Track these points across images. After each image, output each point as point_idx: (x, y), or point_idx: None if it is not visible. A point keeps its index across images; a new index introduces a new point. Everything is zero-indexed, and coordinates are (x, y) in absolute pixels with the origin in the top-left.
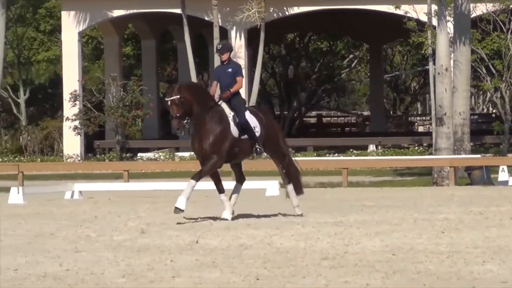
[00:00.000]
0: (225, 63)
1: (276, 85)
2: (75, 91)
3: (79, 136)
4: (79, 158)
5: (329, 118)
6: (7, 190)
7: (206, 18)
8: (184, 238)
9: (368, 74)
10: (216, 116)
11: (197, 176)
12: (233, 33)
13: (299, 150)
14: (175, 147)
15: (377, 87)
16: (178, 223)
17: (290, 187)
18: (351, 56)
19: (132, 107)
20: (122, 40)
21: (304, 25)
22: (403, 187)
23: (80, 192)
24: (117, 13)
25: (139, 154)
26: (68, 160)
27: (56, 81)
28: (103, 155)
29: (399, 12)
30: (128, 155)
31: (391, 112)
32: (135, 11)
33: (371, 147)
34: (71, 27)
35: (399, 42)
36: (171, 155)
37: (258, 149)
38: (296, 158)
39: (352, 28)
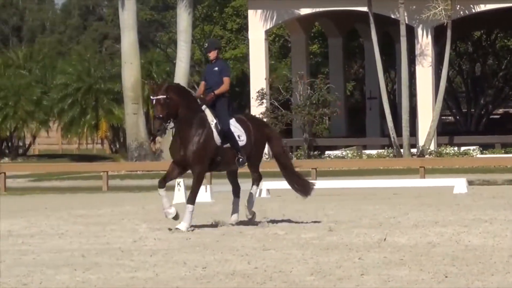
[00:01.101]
0: (212, 61)
1: (463, 83)
2: (262, 89)
3: None
4: (267, 157)
5: None
6: None
7: (392, 16)
8: (372, 236)
9: None
10: (200, 122)
11: (192, 199)
12: (419, 30)
13: (486, 147)
14: (362, 145)
15: None
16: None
17: (254, 189)
18: None
19: (319, 105)
20: (309, 38)
21: (491, 22)
22: None
23: (268, 190)
24: (304, 11)
25: (326, 152)
26: None
27: (243, 80)
28: (290, 153)
29: None
30: (315, 153)
31: None
32: (321, 9)
33: None
34: (258, 25)
35: None
36: (359, 153)
37: (240, 159)
38: (483, 156)
39: None
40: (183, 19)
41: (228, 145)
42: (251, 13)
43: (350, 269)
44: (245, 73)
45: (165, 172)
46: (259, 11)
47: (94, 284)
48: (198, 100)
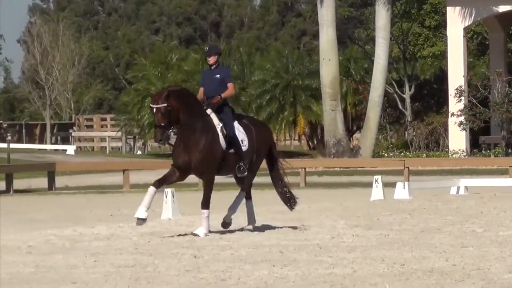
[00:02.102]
0: (212, 67)
1: None
2: (461, 86)
3: (464, 131)
4: (465, 154)
5: None
6: (393, 185)
7: None
8: None
9: None
10: (205, 126)
11: (206, 204)
12: None
13: None
14: None
15: None
16: None
17: (242, 195)
18: None
19: None
20: (507, 36)
21: None
22: None
23: (466, 187)
24: (503, 8)
25: None
26: (454, 155)
27: (441, 77)
28: (488, 151)
29: None
30: None
31: None
32: None
33: None
34: (457, 22)
35: None
36: None
37: (241, 167)
38: None
39: None
40: (382, 16)
41: (232, 150)
42: (449, 10)
43: None
44: (443, 70)
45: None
46: (458, 8)
47: (292, 280)
48: (204, 104)
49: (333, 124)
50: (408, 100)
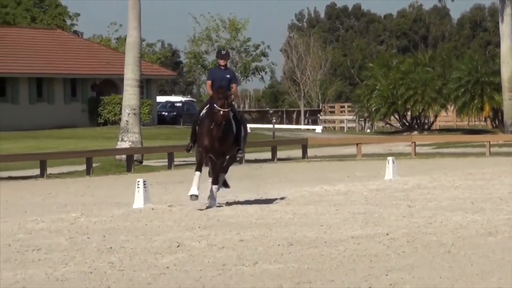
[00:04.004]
0: (222, 68)
1: None
2: None
3: None
4: None
5: None
6: None
7: None
8: None
9: None
10: (229, 118)
11: (222, 175)
12: None
13: None
14: None
15: None
16: None
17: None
18: None
19: None
20: None
21: None
22: None
23: None
24: None
25: None
26: None
27: None
28: None
29: None
30: None
31: None
32: None
33: None
34: None
35: None
36: None
37: (240, 151)
38: None
39: None
40: None
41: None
42: None
43: None
44: None
45: None
46: None
47: (480, 223)
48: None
49: (510, 109)
50: None
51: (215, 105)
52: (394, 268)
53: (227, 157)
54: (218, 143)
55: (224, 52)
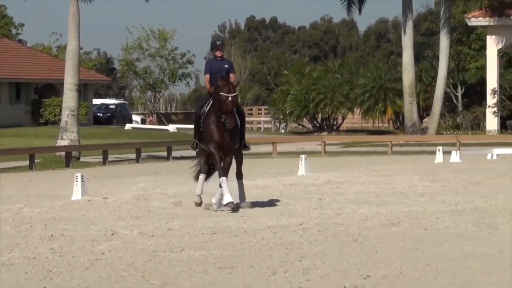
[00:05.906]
0: (218, 59)
1: None
2: (494, 88)
3: (496, 117)
4: (497, 132)
5: None
6: (449, 153)
7: None
8: None
9: None
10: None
11: (225, 173)
12: None
13: None
14: None
15: None
16: None
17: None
18: None
19: None
20: None
21: None
22: None
23: (497, 154)
24: None
25: None
26: (489, 133)
27: (482, 82)
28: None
29: None
30: None
31: None
32: None
33: None
34: (493, 46)
35: None
36: None
37: (246, 143)
38: None
39: None
40: (444, 42)
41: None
42: (488, 38)
43: None
44: (483, 77)
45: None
46: (494, 36)
47: (384, 215)
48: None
49: (410, 113)
50: (459, 97)
51: (221, 93)
52: (307, 255)
53: (235, 157)
54: (230, 137)
55: (219, 42)
